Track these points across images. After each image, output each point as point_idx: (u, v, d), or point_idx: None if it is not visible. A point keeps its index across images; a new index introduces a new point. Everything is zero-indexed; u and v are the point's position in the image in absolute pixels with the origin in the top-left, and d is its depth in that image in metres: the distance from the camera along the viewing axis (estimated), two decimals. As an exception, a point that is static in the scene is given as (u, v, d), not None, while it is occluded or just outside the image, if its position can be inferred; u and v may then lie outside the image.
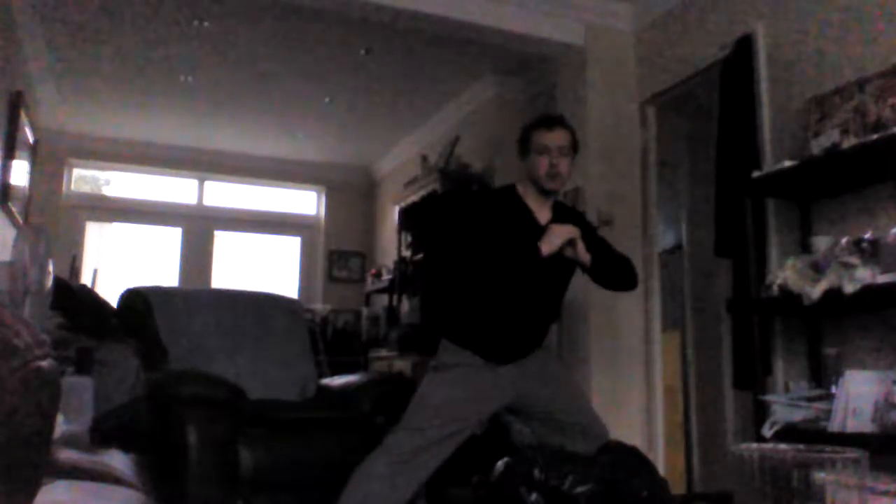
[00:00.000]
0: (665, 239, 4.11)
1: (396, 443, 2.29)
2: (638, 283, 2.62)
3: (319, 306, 6.62)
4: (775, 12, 3.16)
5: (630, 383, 3.75)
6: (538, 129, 2.41)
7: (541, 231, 2.34)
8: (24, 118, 4.45)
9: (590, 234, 2.51)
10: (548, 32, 3.93)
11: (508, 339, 2.39)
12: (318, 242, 7.36)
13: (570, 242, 2.32)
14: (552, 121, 2.45)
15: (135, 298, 3.20)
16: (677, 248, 4.27)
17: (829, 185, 2.72)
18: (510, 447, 3.68)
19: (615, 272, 2.52)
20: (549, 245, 2.29)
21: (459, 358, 2.36)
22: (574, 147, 2.44)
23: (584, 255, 2.36)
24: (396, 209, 5.99)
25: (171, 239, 6.87)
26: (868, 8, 2.73)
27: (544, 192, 2.43)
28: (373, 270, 6.74)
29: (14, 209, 4.39)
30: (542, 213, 2.44)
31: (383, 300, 6.39)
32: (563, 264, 2.39)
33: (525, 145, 2.44)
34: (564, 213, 2.53)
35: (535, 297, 2.42)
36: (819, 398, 2.54)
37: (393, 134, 6.41)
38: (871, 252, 2.36)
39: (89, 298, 3.33)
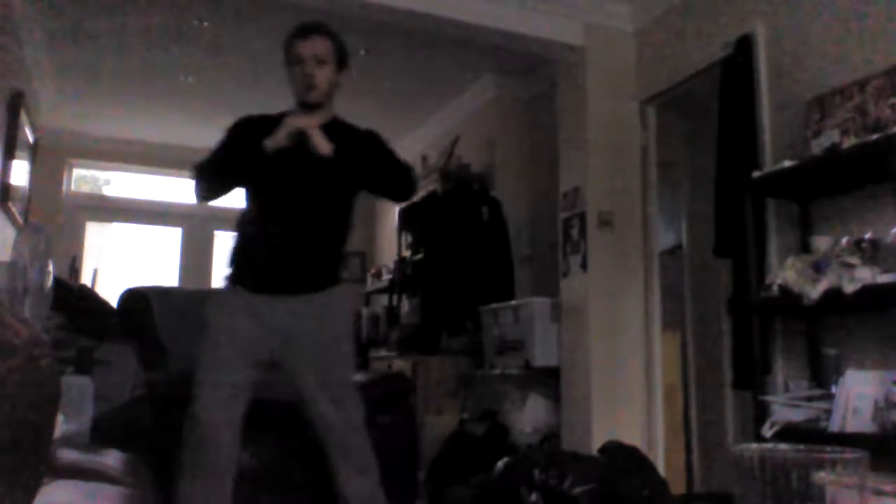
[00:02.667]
0: (665, 239, 4.11)
1: (183, 434, 2.10)
2: (411, 190, 2.38)
3: (319, 306, 6.61)
4: (775, 12, 3.16)
5: (630, 383, 3.75)
6: (294, 37, 2.28)
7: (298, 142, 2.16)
8: (24, 118, 4.45)
9: (373, 144, 2.30)
10: (548, 32, 3.93)
11: (269, 256, 2.18)
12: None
13: (304, 133, 2.14)
14: (307, 28, 2.28)
15: (135, 298, 3.20)
16: (677, 248, 4.27)
17: (829, 184, 2.72)
18: (510, 447, 3.69)
19: (379, 174, 2.28)
20: (273, 141, 2.13)
21: (218, 302, 2.19)
22: (340, 58, 2.26)
23: (321, 144, 2.13)
24: (396, 209, 5.99)
25: (171, 239, 6.87)
26: (868, 8, 2.73)
27: (306, 107, 2.25)
28: (373, 270, 6.74)
29: (14, 209, 4.39)
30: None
31: (383, 300, 6.39)
32: (318, 166, 2.16)
33: (285, 56, 2.30)
34: (341, 130, 2.28)
35: (287, 206, 2.21)
36: (819, 398, 2.54)
37: (393, 134, 6.39)
38: (871, 252, 2.36)
39: (89, 298, 3.33)
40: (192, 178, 2.27)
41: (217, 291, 2.25)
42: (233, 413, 2.12)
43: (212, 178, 2.27)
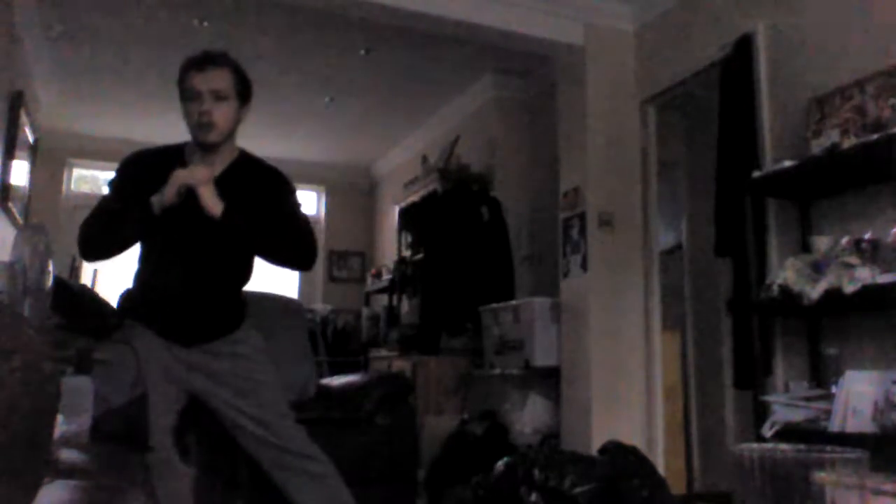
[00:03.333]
0: (665, 239, 4.11)
1: None
2: (308, 261, 2.18)
3: (319, 306, 6.62)
4: (775, 12, 3.16)
5: (630, 383, 3.75)
6: (188, 70, 1.99)
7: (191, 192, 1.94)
8: (24, 118, 4.45)
9: (274, 196, 2.10)
10: (548, 32, 3.93)
11: (164, 310, 2.04)
12: (318, 242, 7.35)
13: (190, 190, 1.92)
14: (205, 59, 2.01)
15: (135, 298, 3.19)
16: (677, 248, 4.28)
17: (829, 185, 2.72)
18: (510, 447, 3.69)
19: (270, 241, 2.06)
20: (160, 198, 1.91)
21: (128, 332, 2.05)
22: (240, 89, 2.04)
23: (210, 203, 1.91)
24: (396, 209, 6.00)
25: (171, 239, 6.86)
26: (868, 8, 2.73)
27: (203, 147, 2.03)
28: (373, 270, 6.74)
29: (14, 209, 4.39)
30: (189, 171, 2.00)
31: (383, 300, 6.39)
32: (205, 223, 1.96)
33: (180, 90, 2.03)
34: (246, 172, 2.10)
35: (183, 260, 2.04)
36: (819, 398, 2.54)
37: (393, 134, 6.42)
38: (871, 252, 2.36)
39: (89, 298, 3.32)
40: (79, 239, 2.05)
41: (128, 323, 2.08)
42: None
43: (100, 239, 2.04)
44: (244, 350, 2.15)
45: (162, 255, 2.07)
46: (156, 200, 1.93)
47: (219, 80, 2.01)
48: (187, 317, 2.07)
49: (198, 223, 1.96)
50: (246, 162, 2.16)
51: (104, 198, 2.12)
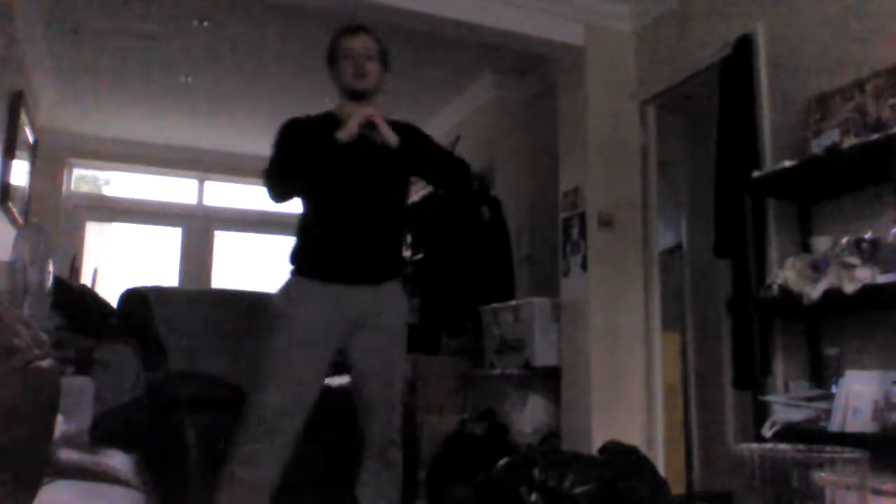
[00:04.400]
0: (665, 239, 4.11)
1: (249, 401, 2.17)
2: (468, 180, 2.51)
3: (319, 306, 6.61)
4: (775, 12, 3.16)
5: (630, 383, 3.75)
6: (342, 35, 2.38)
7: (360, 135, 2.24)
8: (24, 118, 4.45)
9: (420, 138, 2.40)
10: (548, 32, 3.93)
11: (344, 247, 2.24)
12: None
13: (374, 127, 2.23)
14: (356, 26, 2.40)
15: (135, 298, 3.20)
16: (677, 248, 4.28)
17: (829, 185, 2.72)
18: (510, 447, 3.69)
19: (439, 164, 2.42)
20: (345, 132, 2.21)
21: (295, 289, 2.23)
22: (383, 57, 2.37)
23: (389, 135, 2.24)
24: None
25: (171, 239, 6.87)
26: (868, 7, 2.73)
27: (355, 96, 2.34)
28: (373, 270, 6.73)
29: (14, 209, 4.39)
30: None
31: (383, 300, 6.38)
32: (382, 158, 2.26)
33: (332, 55, 2.40)
34: (387, 121, 2.36)
35: (357, 198, 2.27)
36: (819, 398, 2.54)
37: (393, 134, 6.41)
38: (871, 252, 2.36)
39: (89, 298, 3.33)
40: (265, 184, 2.27)
41: (290, 283, 2.27)
42: (306, 403, 2.19)
43: (285, 180, 2.28)
44: (397, 299, 2.35)
45: (338, 193, 2.26)
46: (341, 135, 2.20)
47: (368, 42, 2.36)
48: (364, 253, 2.26)
49: (372, 158, 2.26)
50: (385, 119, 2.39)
51: (277, 150, 2.32)
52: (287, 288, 2.28)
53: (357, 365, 2.30)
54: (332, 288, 2.21)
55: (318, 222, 2.30)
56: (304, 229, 2.33)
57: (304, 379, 2.18)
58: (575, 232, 3.89)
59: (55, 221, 5.93)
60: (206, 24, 4.43)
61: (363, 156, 2.25)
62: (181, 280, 6.71)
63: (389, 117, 2.36)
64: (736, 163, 3.05)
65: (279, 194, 2.29)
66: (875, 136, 2.38)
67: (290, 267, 2.31)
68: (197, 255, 6.87)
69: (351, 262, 2.24)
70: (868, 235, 2.42)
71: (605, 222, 3.81)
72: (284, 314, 2.20)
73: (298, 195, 2.34)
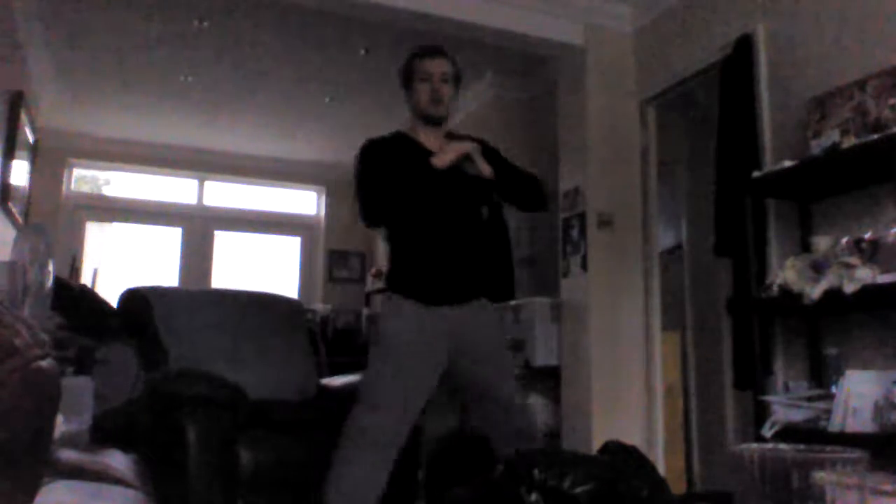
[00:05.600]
0: (665, 239, 4.11)
1: (358, 422, 2.28)
2: (547, 201, 2.57)
3: (319, 306, 6.62)
4: (775, 12, 3.16)
5: (630, 383, 3.75)
6: (420, 57, 2.40)
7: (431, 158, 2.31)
8: (24, 118, 4.45)
9: (493, 155, 2.44)
10: (548, 32, 3.93)
11: (439, 270, 2.34)
12: (318, 242, 7.36)
13: (468, 157, 2.29)
14: (433, 49, 2.43)
15: (135, 298, 3.19)
16: (677, 248, 4.27)
17: (829, 185, 2.72)
18: (510, 447, 3.68)
19: (522, 189, 2.45)
20: (441, 159, 2.26)
21: (397, 310, 2.33)
22: (457, 77, 2.42)
23: (484, 167, 2.30)
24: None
25: (171, 239, 6.87)
26: (868, 8, 2.73)
27: (430, 121, 2.40)
28: (373, 270, 6.74)
29: (14, 209, 4.39)
30: (432, 143, 2.38)
31: (383, 300, 6.38)
32: (470, 185, 2.34)
33: (407, 76, 2.42)
34: (459, 138, 2.45)
35: (452, 222, 2.37)
36: (819, 398, 2.54)
37: (393, 134, 6.41)
38: (871, 252, 2.36)
39: (89, 298, 3.33)
40: (362, 208, 2.34)
41: (393, 304, 2.36)
42: (409, 417, 2.29)
43: (385, 205, 2.33)
44: (486, 315, 2.43)
45: (430, 222, 2.34)
46: (437, 163, 2.25)
47: (444, 65, 2.39)
48: (457, 274, 2.36)
49: (461, 186, 2.33)
50: (453, 134, 2.49)
51: (367, 174, 2.36)
52: (388, 309, 2.38)
53: (472, 378, 2.40)
54: (428, 308, 2.30)
55: (412, 247, 2.38)
56: (401, 254, 2.41)
57: (408, 400, 2.28)
58: (575, 232, 3.89)
59: (55, 221, 5.93)
60: (206, 24, 4.43)
61: (455, 182, 2.32)
62: (181, 280, 6.71)
63: (460, 133, 2.48)
64: (736, 163, 3.05)
65: (377, 218, 2.39)
66: (875, 136, 2.38)
67: (390, 289, 2.41)
68: (197, 255, 6.87)
69: (445, 283, 2.34)
70: (868, 235, 2.42)
71: (605, 222, 3.81)
72: (387, 335, 2.33)
73: (394, 220, 2.40)
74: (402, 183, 2.30)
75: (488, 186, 2.37)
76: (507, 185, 2.40)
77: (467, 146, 2.30)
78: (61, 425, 1.69)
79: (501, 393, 2.39)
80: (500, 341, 2.52)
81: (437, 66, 2.38)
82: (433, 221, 2.35)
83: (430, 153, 2.32)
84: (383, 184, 2.31)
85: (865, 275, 2.29)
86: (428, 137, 2.39)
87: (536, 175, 2.53)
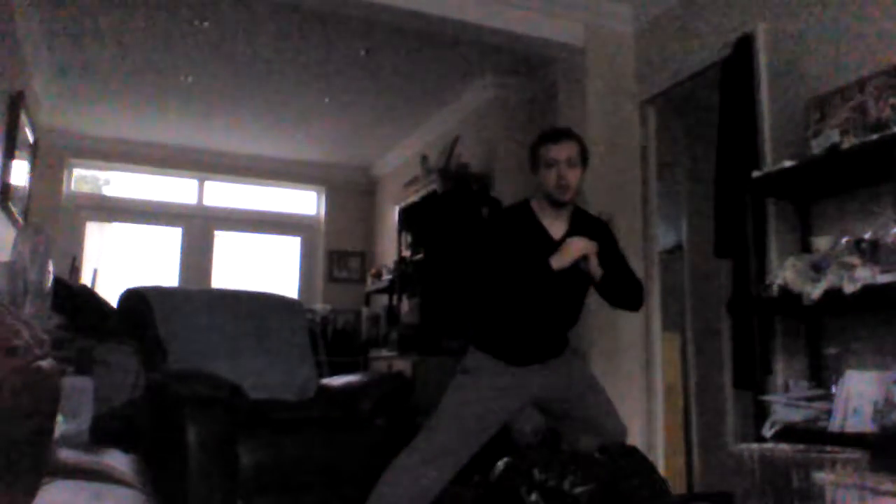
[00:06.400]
0: (665, 239, 4.11)
1: (424, 440, 2.39)
2: (642, 305, 2.64)
3: (319, 306, 6.62)
4: (775, 12, 3.16)
5: (630, 384, 3.75)
6: (545, 143, 2.44)
7: (553, 245, 2.38)
8: (24, 118, 4.45)
9: (608, 245, 2.52)
10: (548, 32, 3.93)
11: (528, 345, 2.45)
12: (318, 242, 7.36)
13: (584, 257, 2.36)
14: (559, 134, 2.48)
15: (135, 298, 3.20)
16: (677, 248, 4.27)
17: (829, 185, 2.72)
18: (510, 447, 3.68)
19: (623, 292, 2.53)
20: (559, 261, 2.32)
21: (481, 362, 2.44)
22: (583, 157, 2.46)
23: (595, 270, 2.37)
24: (396, 209, 6.00)
25: (171, 239, 6.87)
26: (868, 8, 2.73)
27: (556, 205, 2.45)
28: (373, 270, 6.74)
29: (14, 209, 4.39)
30: (556, 226, 2.46)
31: (383, 300, 6.39)
32: (578, 275, 2.42)
33: (535, 160, 2.47)
34: (584, 223, 2.53)
35: (551, 307, 2.47)
36: (819, 398, 2.54)
37: (393, 134, 6.41)
38: (871, 252, 2.36)
39: (89, 298, 3.33)
40: (470, 280, 2.50)
41: (478, 358, 2.46)
42: (472, 448, 2.44)
43: (498, 287, 2.41)
44: (568, 358, 2.57)
45: (531, 304, 2.41)
46: (555, 264, 2.32)
47: (570, 149, 2.42)
48: (547, 348, 2.48)
49: (567, 278, 2.37)
50: (579, 214, 2.56)
51: (477, 251, 2.50)
52: (472, 360, 2.47)
53: (560, 408, 2.57)
54: (513, 367, 2.42)
55: (507, 320, 2.46)
56: (494, 323, 2.49)
57: (471, 439, 2.42)
58: (575, 232, 3.88)
59: (55, 221, 5.93)
60: (206, 24, 4.43)
61: (565, 275, 2.36)
62: (181, 280, 6.71)
63: (584, 213, 2.57)
64: (736, 163, 3.05)
65: (475, 297, 2.54)
66: (875, 136, 2.38)
67: (477, 347, 2.49)
68: (197, 255, 6.87)
69: (534, 354, 2.45)
70: (868, 235, 2.42)
71: (605, 222, 3.81)
72: (470, 381, 2.43)
73: (493, 298, 2.48)
74: (515, 270, 2.36)
75: (593, 282, 2.46)
76: (610, 286, 2.46)
77: (588, 248, 2.35)
78: (61, 425, 1.69)
79: (606, 427, 2.55)
80: (589, 381, 2.64)
81: (564, 152, 2.41)
82: (533, 304, 2.42)
83: (549, 238, 2.41)
84: (493, 264, 2.40)
85: (865, 275, 2.29)
86: (551, 218, 2.45)
87: (640, 281, 2.61)
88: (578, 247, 2.35)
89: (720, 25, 3.45)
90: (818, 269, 2.49)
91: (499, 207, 2.57)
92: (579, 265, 2.36)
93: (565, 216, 2.48)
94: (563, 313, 2.52)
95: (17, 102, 4.31)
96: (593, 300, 2.56)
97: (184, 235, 6.90)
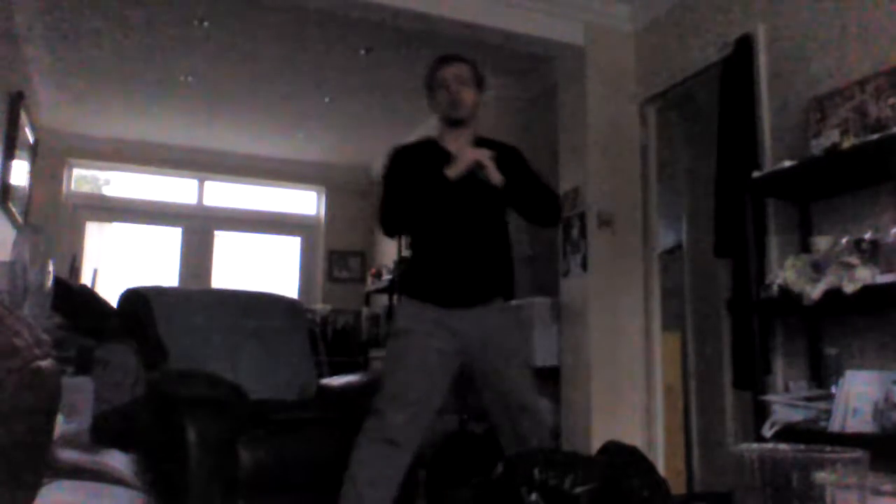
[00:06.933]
0: (665, 239, 4.11)
1: (374, 422, 2.31)
2: (560, 217, 2.62)
3: (319, 306, 6.62)
4: (775, 12, 3.16)
5: (630, 383, 3.75)
6: (436, 67, 2.49)
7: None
8: (24, 118, 4.45)
9: (518, 165, 2.49)
10: (548, 32, 3.93)
11: (448, 277, 2.39)
12: (318, 242, 7.36)
13: (481, 166, 2.33)
14: (448, 57, 2.51)
15: (135, 298, 3.20)
16: (677, 248, 4.27)
17: (829, 185, 2.72)
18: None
19: (534, 203, 2.49)
20: (453, 170, 2.31)
21: (407, 308, 2.40)
22: (477, 81, 2.47)
23: (495, 176, 2.33)
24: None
25: (171, 239, 6.87)
26: (868, 8, 2.73)
27: (452, 123, 2.46)
28: (373, 270, 6.74)
29: (14, 209, 4.39)
30: (458, 146, 2.42)
31: (383, 300, 6.39)
32: (483, 190, 2.37)
33: (429, 89, 2.50)
34: (490, 145, 2.48)
35: (464, 228, 2.41)
36: (819, 398, 2.54)
37: (393, 134, 6.39)
38: (871, 252, 2.36)
39: (89, 298, 3.33)
40: (383, 216, 2.43)
41: (406, 305, 2.44)
42: (424, 417, 2.35)
43: (403, 213, 2.42)
44: (503, 317, 2.47)
45: (444, 226, 2.39)
46: (450, 174, 2.30)
47: (461, 69, 2.46)
48: (471, 278, 2.40)
49: (473, 192, 2.36)
50: (485, 140, 2.52)
51: (388, 184, 2.47)
52: (401, 309, 2.46)
53: (479, 380, 2.44)
54: (440, 309, 2.35)
55: (425, 251, 2.45)
56: (413, 258, 2.50)
57: (420, 397, 2.33)
58: (575, 232, 3.89)
59: (55, 221, 5.93)
60: (206, 24, 4.43)
61: (468, 189, 2.35)
62: (181, 280, 6.71)
63: (491, 140, 2.51)
64: (736, 163, 3.05)
65: (394, 231, 2.50)
66: (875, 136, 2.38)
67: (404, 293, 2.47)
68: (197, 255, 6.87)
69: (456, 287, 2.38)
70: (868, 235, 2.42)
71: (605, 222, 3.81)
72: (401, 329, 2.39)
73: (409, 228, 2.50)
74: (415, 191, 2.36)
75: (501, 194, 2.40)
76: (516, 195, 2.43)
77: (478, 154, 2.34)
78: (61, 425, 1.69)
79: (516, 394, 2.40)
80: (518, 344, 2.55)
81: (455, 71, 2.44)
82: (445, 227, 2.40)
83: (449, 156, 2.37)
84: (398, 192, 2.39)
85: (865, 275, 2.30)
86: (454, 142, 2.43)
87: (558, 195, 2.58)
88: (472, 154, 2.34)
89: (720, 25, 3.45)
90: (818, 269, 2.49)
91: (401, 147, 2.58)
92: (477, 175, 2.33)
93: (467, 137, 2.46)
94: (478, 238, 2.44)
95: (17, 102, 4.31)
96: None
97: (184, 235, 6.90)
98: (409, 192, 2.37)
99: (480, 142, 2.49)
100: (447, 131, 2.48)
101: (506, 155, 2.45)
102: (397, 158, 2.52)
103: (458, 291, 2.38)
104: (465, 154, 2.34)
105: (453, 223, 2.40)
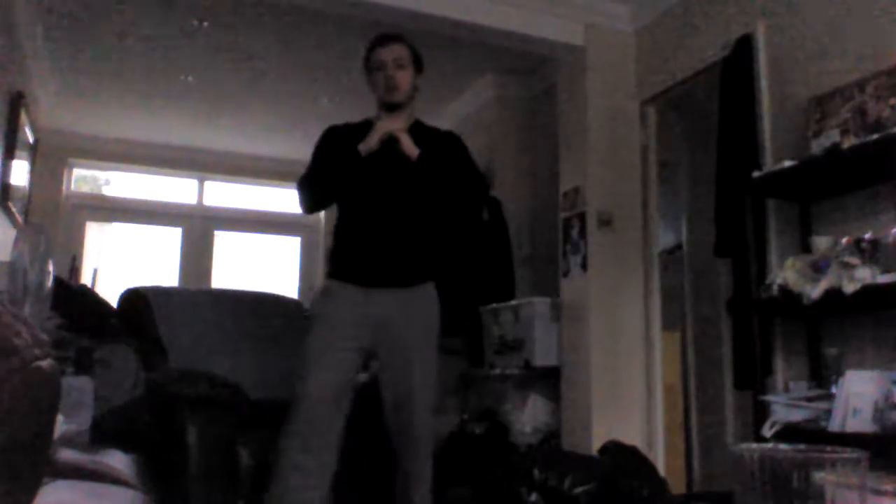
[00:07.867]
0: (665, 239, 4.11)
1: (292, 413, 2.26)
2: (482, 206, 2.58)
3: (319, 306, 6.61)
4: (775, 12, 3.16)
5: (630, 383, 3.75)
6: (373, 48, 2.45)
7: (386, 145, 2.32)
8: (24, 118, 4.45)
9: (452, 149, 2.45)
10: (548, 32, 3.93)
11: (368, 255, 2.34)
12: (318, 242, 7.35)
13: (397, 140, 2.30)
14: (386, 37, 2.47)
15: (135, 298, 3.20)
16: (677, 248, 4.27)
17: (829, 185, 2.72)
18: (510, 447, 3.69)
19: (454, 181, 2.41)
20: (366, 143, 2.30)
21: (327, 287, 2.37)
22: (415, 60, 2.44)
23: (410, 149, 2.31)
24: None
25: (171, 239, 6.87)
26: (868, 8, 2.73)
27: (389, 108, 2.42)
28: (373, 270, 6.73)
29: (14, 209, 4.39)
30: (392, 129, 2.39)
31: (383, 300, 6.38)
32: (404, 168, 2.34)
33: (367, 69, 2.47)
34: (425, 131, 2.45)
35: (385, 205, 2.37)
36: (819, 398, 2.54)
37: (393, 134, 6.41)
38: (871, 252, 2.36)
39: (89, 298, 3.32)
40: (298, 192, 2.40)
41: (323, 286, 2.44)
42: (340, 393, 2.27)
43: (315, 188, 2.39)
44: (424, 303, 2.41)
45: (363, 204, 2.36)
46: (361, 147, 2.30)
47: (398, 51, 2.41)
48: (389, 257, 2.34)
49: (395, 169, 2.32)
50: (423, 126, 2.49)
51: (313, 159, 2.45)
52: (321, 290, 2.44)
53: (385, 365, 2.37)
54: (359, 290, 2.31)
55: (346, 228, 2.41)
56: (335, 234, 2.45)
57: (335, 374, 2.27)
58: (575, 232, 3.89)
59: (55, 221, 5.92)
60: (206, 24, 4.42)
61: (388, 166, 2.33)
62: (181, 280, 6.71)
63: (428, 126, 2.49)
64: (736, 163, 3.05)
65: (310, 208, 2.44)
66: (875, 136, 2.38)
67: (327, 275, 2.44)
68: (197, 255, 6.86)
69: (376, 266, 2.34)
70: (868, 235, 2.42)
71: (605, 222, 3.81)
72: (316, 314, 2.35)
73: (327, 205, 2.47)
74: (329, 167, 2.34)
75: (419, 170, 2.34)
76: (435, 172, 2.36)
77: (394, 126, 2.32)
78: (61, 425, 1.68)
79: (414, 392, 2.32)
80: (429, 337, 2.41)
81: (391, 53, 2.40)
82: (361, 204, 2.37)
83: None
84: (316, 171, 2.38)
85: (865, 275, 2.30)
86: (390, 125, 2.38)
87: (487, 185, 2.55)
88: (384, 124, 2.33)
89: (720, 25, 3.45)
90: (818, 269, 2.49)
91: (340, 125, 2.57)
92: (395, 148, 2.30)
93: (402, 121, 2.42)
94: (400, 217, 2.37)
95: (17, 102, 4.31)
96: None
97: (184, 235, 6.90)
98: (324, 168, 2.37)
99: (417, 126, 2.45)
100: (384, 115, 2.44)
101: (440, 139, 2.44)
102: (328, 137, 2.50)
103: (377, 270, 2.33)
104: (379, 127, 2.33)
105: (372, 200, 2.36)
